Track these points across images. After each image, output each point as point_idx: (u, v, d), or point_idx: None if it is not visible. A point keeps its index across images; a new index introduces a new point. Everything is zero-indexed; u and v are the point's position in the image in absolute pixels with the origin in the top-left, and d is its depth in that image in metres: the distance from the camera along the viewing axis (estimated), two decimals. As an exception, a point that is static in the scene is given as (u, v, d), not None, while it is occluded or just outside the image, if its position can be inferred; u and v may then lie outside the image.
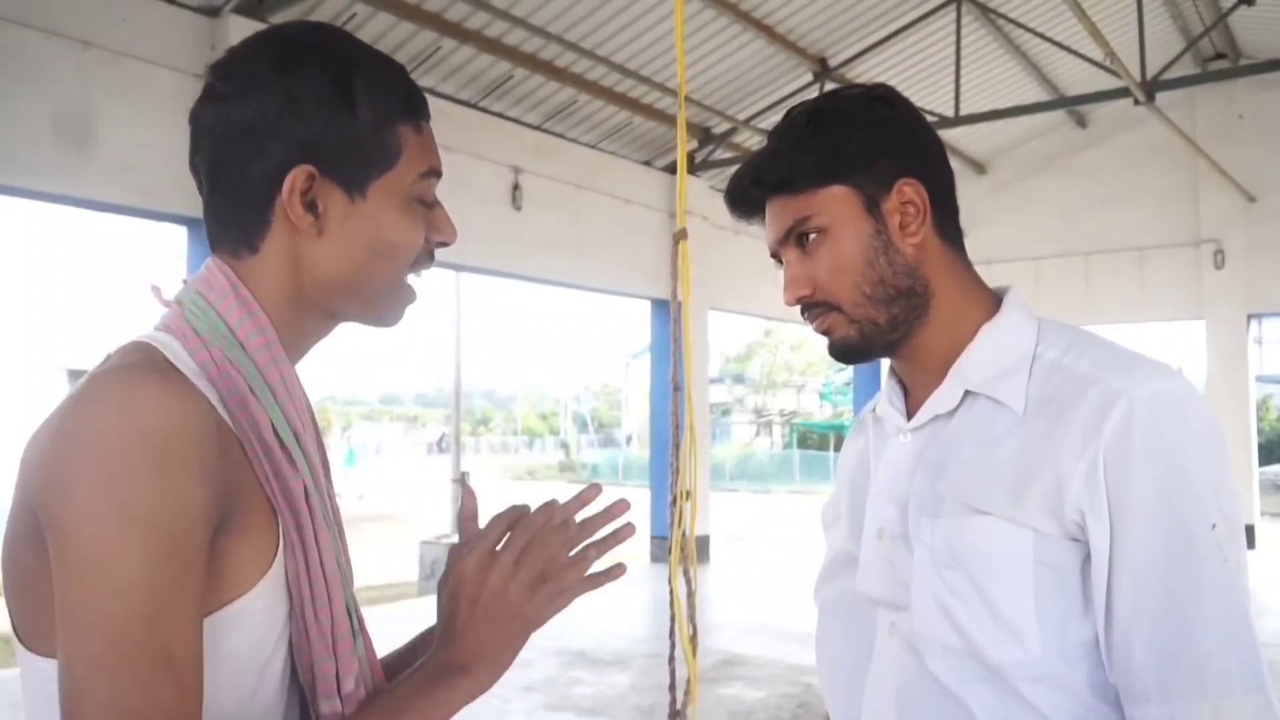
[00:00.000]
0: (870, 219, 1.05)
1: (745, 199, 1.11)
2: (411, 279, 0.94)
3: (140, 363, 0.81)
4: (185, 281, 0.90)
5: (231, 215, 0.88)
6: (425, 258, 0.94)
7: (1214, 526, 0.92)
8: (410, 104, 0.91)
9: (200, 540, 0.75)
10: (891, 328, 1.06)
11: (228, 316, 0.86)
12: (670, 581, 3.58)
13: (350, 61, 0.88)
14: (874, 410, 1.19)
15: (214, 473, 0.77)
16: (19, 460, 0.79)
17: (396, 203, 0.89)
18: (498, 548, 0.90)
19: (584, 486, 0.94)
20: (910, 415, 1.11)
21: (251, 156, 0.86)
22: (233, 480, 0.80)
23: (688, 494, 3.61)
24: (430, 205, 0.93)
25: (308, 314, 0.91)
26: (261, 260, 0.88)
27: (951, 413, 1.06)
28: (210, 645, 0.78)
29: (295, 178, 0.85)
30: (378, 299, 0.92)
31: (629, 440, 39.56)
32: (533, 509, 0.92)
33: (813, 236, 1.06)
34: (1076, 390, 0.98)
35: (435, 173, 0.93)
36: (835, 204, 1.05)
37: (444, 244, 0.95)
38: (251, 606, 0.80)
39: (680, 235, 3.76)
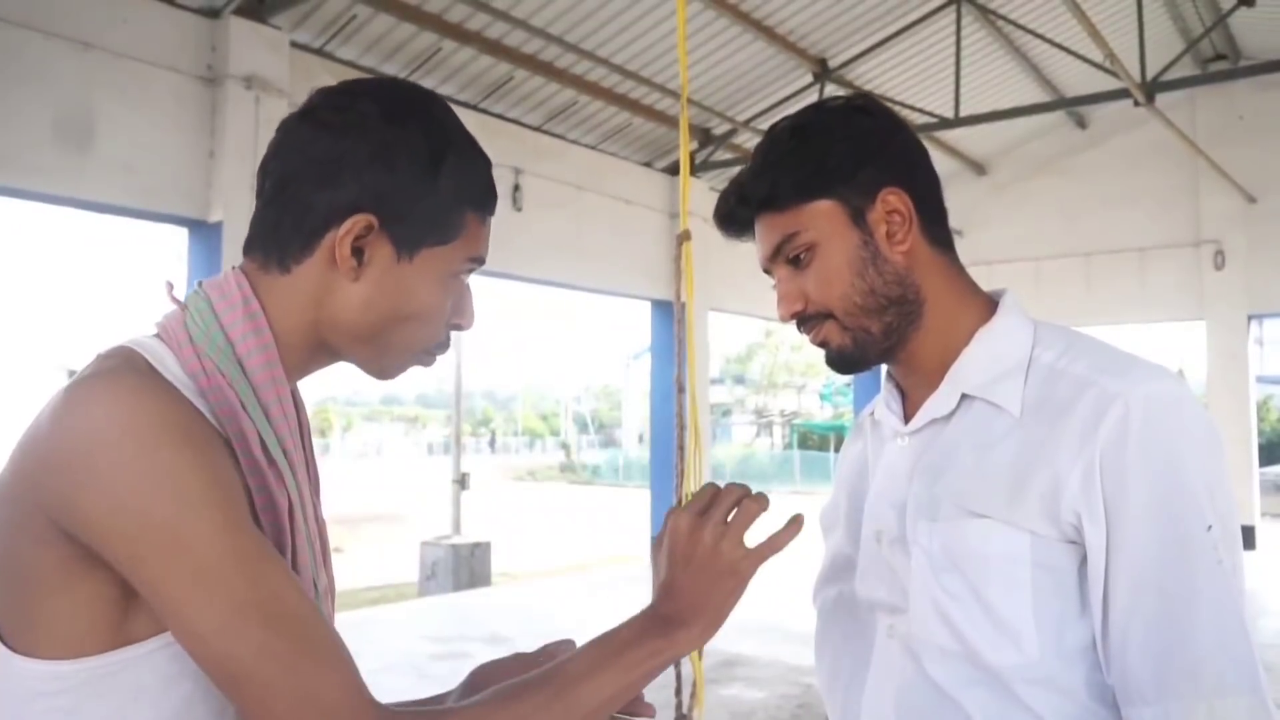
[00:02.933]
0: (857, 231, 1.05)
1: (733, 218, 1.12)
2: (423, 355, 0.96)
3: (121, 366, 0.82)
4: (200, 284, 0.91)
5: (279, 230, 0.90)
6: (443, 340, 0.96)
7: (1210, 528, 0.93)
8: (485, 197, 0.95)
9: (243, 503, 0.79)
10: (885, 336, 1.07)
11: (230, 329, 0.87)
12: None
13: (449, 137, 0.92)
14: (872, 413, 1.20)
15: (226, 453, 0.81)
16: (13, 463, 0.80)
17: (437, 276, 0.92)
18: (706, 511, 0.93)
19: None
20: (908, 419, 1.11)
21: (325, 185, 0.88)
22: None
23: (692, 496, 3.63)
24: (462, 290, 0.96)
25: (312, 346, 0.92)
26: (288, 283, 0.90)
27: (949, 416, 1.06)
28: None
29: (355, 222, 0.87)
30: (384, 356, 0.94)
31: (641, 439, 39.55)
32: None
33: (802, 252, 1.06)
34: (1073, 393, 0.98)
35: (480, 262, 0.96)
36: (821, 219, 1.05)
37: (459, 327, 0.97)
38: None
39: (684, 237, 3.77)
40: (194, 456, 0.76)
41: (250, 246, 0.92)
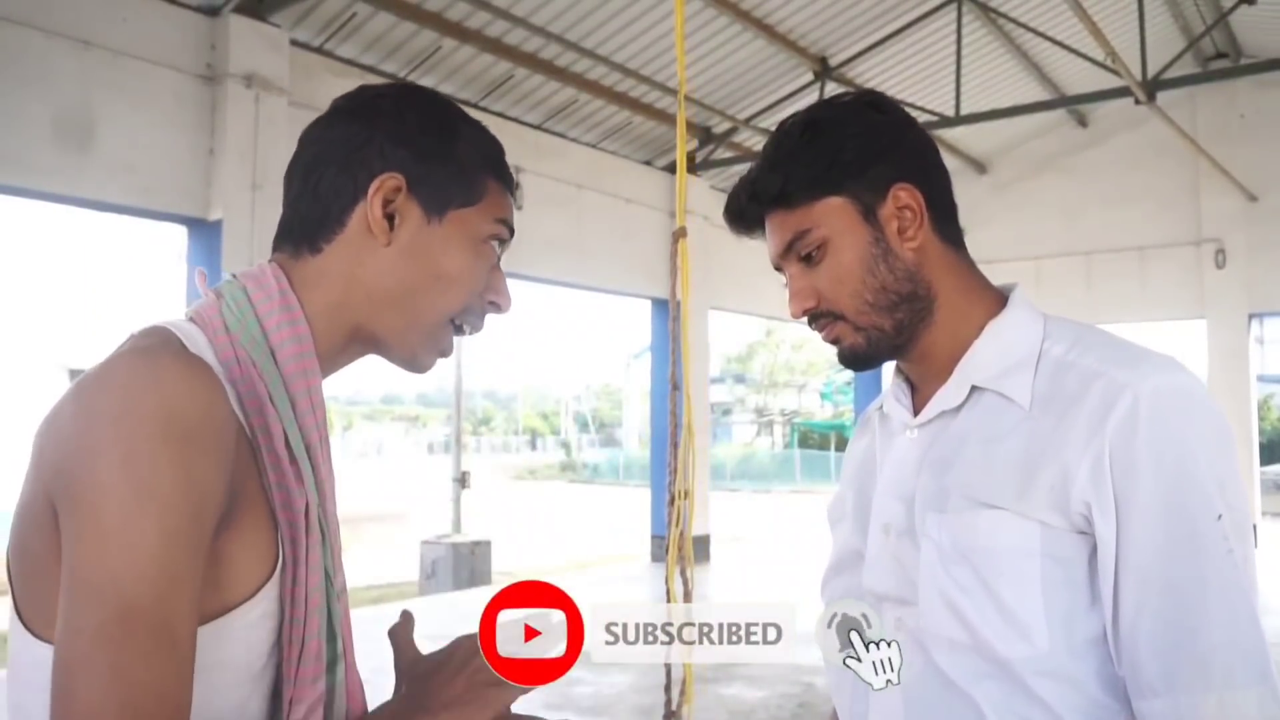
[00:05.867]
0: (868, 227, 1.05)
1: (743, 215, 1.12)
2: (453, 332, 0.96)
3: (158, 344, 0.82)
4: (233, 275, 0.91)
5: (309, 212, 0.92)
6: (476, 315, 0.97)
7: (1220, 518, 0.92)
8: (502, 166, 0.98)
9: (209, 525, 0.76)
10: (897, 332, 1.07)
11: (266, 319, 0.87)
12: (668, 581, 3.59)
13: (460, 115, 0.97)
14: (880, 408, 1.19)
15: (228, 459, 0.78)
16: (33, 444, 0.79)
17: (467, 238, 0.94)
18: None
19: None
20: (917, 412, 1.11)
21: (350, 164, 0.91)
22: (240, 477, 0.80)
23: (686, 493, 3.61)
24: (494, 266, 0.97)
25: (346, 331, 0.92)
26: (320, 261, 0.91)
27: (958, 409, 1.06)
28: (211, 649, 0.78)
29: (384, 181, 0.90)
30: (417, 329, 0.94)
31: (641, 439, 39.57)
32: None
33: (814, 250, 1.06)
34: (1082, 384, 0.98)
35: (509, 229, 0.98)
36: (832, 215, 1.05)
37: (497, 307, 0.98)
38: (251, 614, 0.80)
39: (679, 234, 3.76)
40: (182, 454, 0.74)
41: (280, 242, 0.94)
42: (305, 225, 0.91)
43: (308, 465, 0.85)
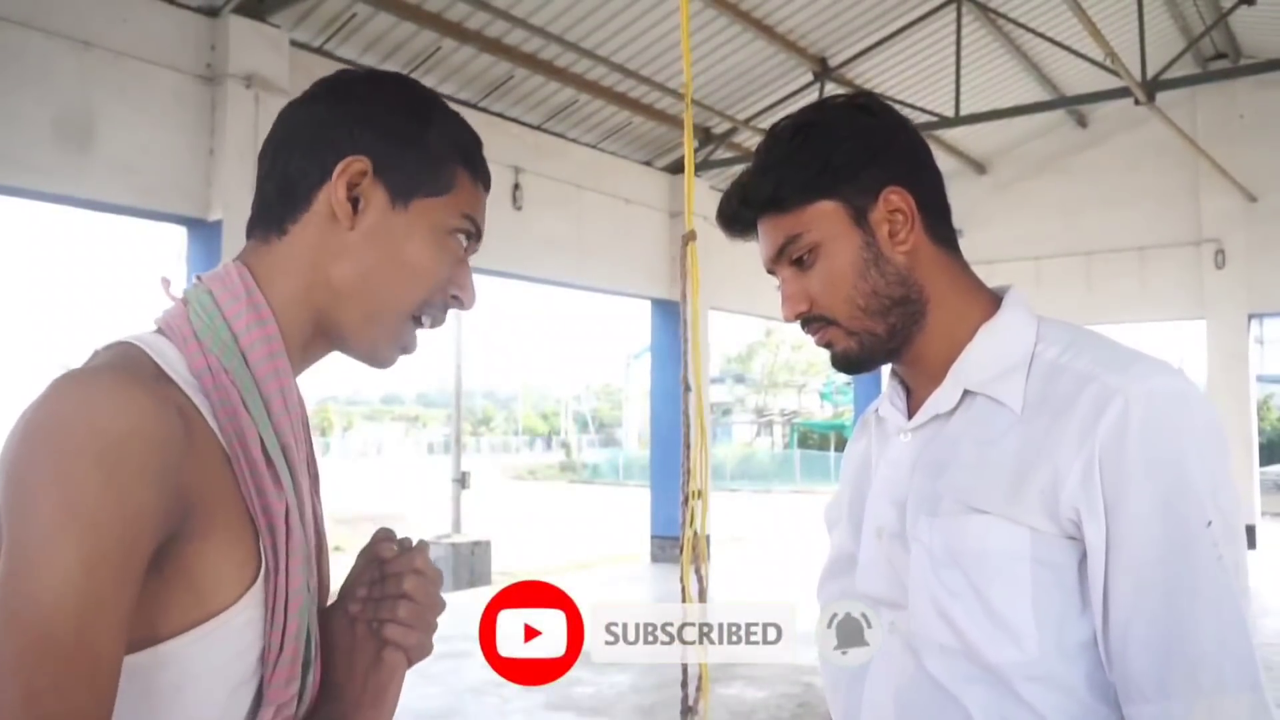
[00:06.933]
0: (859, 231, 1.05)
1: (736, 219, 1.12)
2: (415, 326, 0.95)
3: (108, 364, 0.80)
4: (199, 278, 0.90)
5: (277, 194, 0.91)
6: (438, 307, 0.95)
7: (1210, 524, 0.92)
8: (475, 160, 0.95)
9: (144, 548, 0.74)
10: (890, 336, 1.07)
11: (234, 321, 0.86)
12: (682, 579, 3.60)
13: (434, 102, 0.95)
14: (876, 411, 1.19)
15: (171, 478, 0.76)
16: None
17: (432, 228, 0.92)
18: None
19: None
20: (911, 415, 1.11)
21: (317, 147, 0.90)
22: (204, 489, 0.79)
23: (699, 493, 3.63)
24: (460, 260, 0.95)
25: (311, 321, 0.91)
26: (285, 247, 0.90)
27: (951, 412, 1.06)
28: (198, 656, 0.78)
29: (349, 164, 0.89)
30: (377, 320, 0.92)
31: (640, 439, 39.56)
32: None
33: (805, 254, 1.06)
34: (1074, 388, 0.98)
35: (477, 228, 0.96)
36: (824, 219, 1.05)
37: (460, 301, 0.96)
38: (235, 620, 0.80)
39: (689, 237, 3.77)
40: (112, 477, 0.72)
41: (251, 228, 0.93)
42: (273, 207, 0.91)
43: (285, 468, 0.84)
